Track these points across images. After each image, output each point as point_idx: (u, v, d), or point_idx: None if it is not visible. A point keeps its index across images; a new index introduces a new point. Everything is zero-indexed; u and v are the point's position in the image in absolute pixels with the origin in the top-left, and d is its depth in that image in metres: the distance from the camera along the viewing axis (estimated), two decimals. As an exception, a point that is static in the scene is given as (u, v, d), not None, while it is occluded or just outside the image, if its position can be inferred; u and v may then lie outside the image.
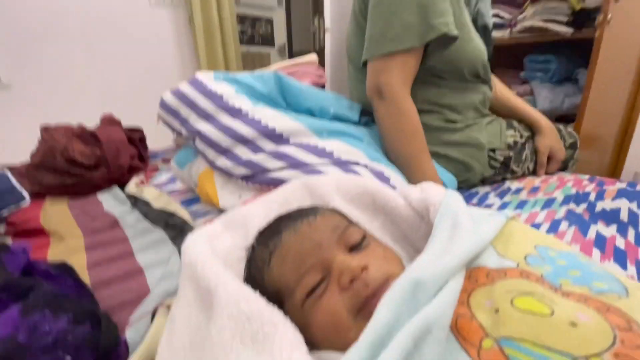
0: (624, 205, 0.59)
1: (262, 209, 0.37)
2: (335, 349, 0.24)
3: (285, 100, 0.67)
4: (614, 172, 1.51)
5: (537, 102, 1.34)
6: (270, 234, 0.30)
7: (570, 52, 1.37)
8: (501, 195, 0.69)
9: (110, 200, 0.75)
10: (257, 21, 3.28)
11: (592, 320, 0.18)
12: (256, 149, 0.56)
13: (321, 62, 2.11)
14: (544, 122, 0.80)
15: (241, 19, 3.20)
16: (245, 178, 0.57)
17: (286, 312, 0.23)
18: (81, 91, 1.62)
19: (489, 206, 0.64)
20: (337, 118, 0.69)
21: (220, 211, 0.60)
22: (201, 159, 0.63)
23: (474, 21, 0.76)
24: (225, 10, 1.84)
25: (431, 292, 0.21)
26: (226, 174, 0.59)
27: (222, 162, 0.57)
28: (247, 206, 0.37)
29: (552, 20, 1.24)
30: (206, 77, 0.62)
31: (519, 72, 1.47)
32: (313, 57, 1.29)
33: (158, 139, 1.37)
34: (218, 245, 0.33)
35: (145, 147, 1.18)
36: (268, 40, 3.41)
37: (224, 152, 0.57)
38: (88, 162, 0.82)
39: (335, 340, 0.24)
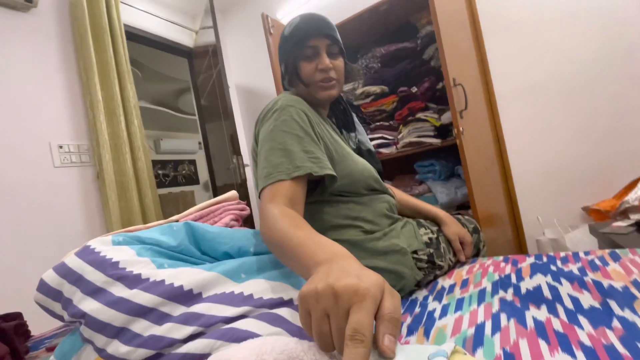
0: (542, 282, 0.64)
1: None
2: None
3: (200, 249, 0.62)
4: (520, 242, 1.70)
5: (438, 197, 1.54)
6: None
7: (446, 155, 1.68)
8: (439, 297, 0.68)
9: None
10: (180, 164, 3.47)
11: None
12: (160, 318, 0.45)
13: (245, 195, 2.18)
14: (443, 214, 0.91)
15: (163, 164, 3.32)
16: None
17: None
18: None
19: (431, 313, 0.61)
20: (261, 254, 0.65)
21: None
22: (90, 347, 0.50)
23: (359, 149, 0.93)
24: (141, 161, 1.86)
25: None
26: None
27: (116, 348, 0.43)
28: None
29: (423, 135, 1.55)
30: (101, 244, 0.54)
31: (414, 176, 1.72)
32: (233, 193, 1.31)
33: (46, 318, 1.11)
34: None
35: (25, 334, 0.93)
36: (192, 179, 3.57)
37: (117, 333, 0.44)
38: None
39: None
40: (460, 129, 1.21)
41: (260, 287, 0.50)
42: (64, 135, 1.67)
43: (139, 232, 0.59)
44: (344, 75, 0.85)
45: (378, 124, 1.76)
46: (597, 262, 0.68)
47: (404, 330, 0.58)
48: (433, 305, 0.65)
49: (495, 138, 1.69)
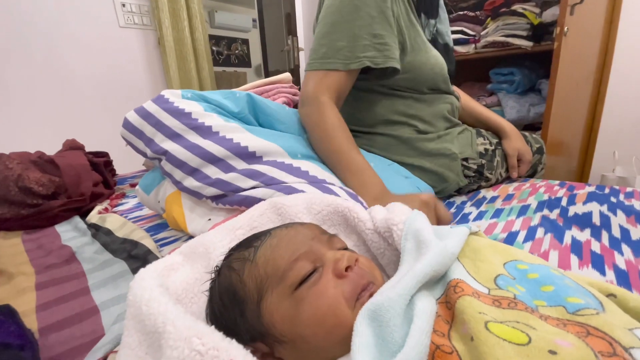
0: (595, 209, 0.61)
1: (226, 236, 0.34)
2: (321, 345, 0.23)
3: (258, 121, 0.66)
4: (582, 175, 1.57)
5: (505, 112, 1.39)
6: (253, 239, 0.30)
7: (532, 64, 1.44)
8: (477, 204, 0.69)
9: (70, 232, 0.70)
10: (233, 42, 3.37)
11: (573, 347, 0.16)
12: (227, 168, 0.53)
13: (297, 80, 2.14)
14: (508, 127, 0.83)
15: (217, 41, 3.26)
16: (216, 198, 0.54)
17: (264, 308, 0.24)
18: (47, 117, 1.54)
19: (466, 215, 0.63)
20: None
21: (190, 237, 0.57)
22: (168, 181, 0.60)
23: (435, 40, 0.81)
24: (199, 31, 1.84)
25: (395, 316, 0.19)
26: (195, 195, 0.55)
27: (190, 182, 0.53)
28: (209, 234, 0.34)
29: (513, 35, 1.31)
30: (173, 95, 0.60)
31: (485, 85, 1.53)
32: (287, 75, 1.29)
33: (127, 162, 1.32)
34: (177, 279, 0.30)
35: (112, 172, 1.13)
36: (244, 61, 3.50)
37: (192, 172, 0.54)
38: (46, 191, 0.77)
39: (329, 330, 0.23)
40: (565, 28, 0.99)
41: (315, 169, 0.54)
42: (127, -7, 1.66)
43: (203, 92, 0.63)
44: None
45: (461, 13, 1.49)
46: (669, 202, 0.62)
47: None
48: (470, 209, 0.66)
49: (604, 49, 1.38)
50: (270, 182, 0.50)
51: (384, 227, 0.31)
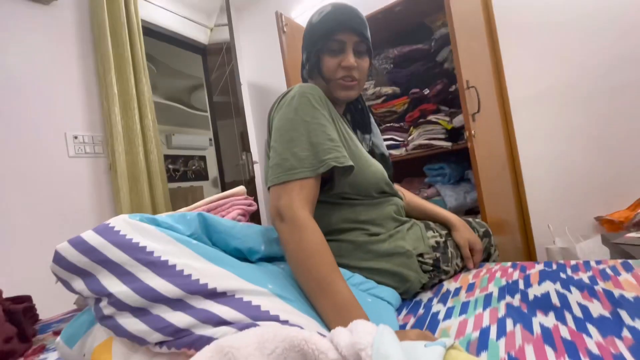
0: (550, 288, 0.62)
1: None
2: None
3: (211, 240, 0.63)
4: (529, 250, 1.67)
5: (446, 201, 1.52)
6: None
7: (456, 158, 1.66)
8: (443, 299, 0.68)
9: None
10: (190, 159, 3.54)
11: None
12: (181, 308, 0.45)
13: (253, 190, 2.20)
14: (454, 219, 0.88)
15: (173, 159, 3.38)
16: (162, 343, 0.45)
17: None
18: None
19: (435, 315, 0.61)
20: (269, 256, 0.65)
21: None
22: (99, 328, 0.50)
23: (372, 152, 0.90)
24: (153, 154, 1.89)
25: None
26: (137, 341, 0.46)
27: (135, 326, 0.45)
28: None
29: (433, 138, 1.54)
30: (121, 223, 0.53)
31: (423, 179, 1.70)
32: (241, 189, 1.32)
33: (56, 301, 1.14)
34: None
35: (33, 318, 0.95)
36: (201, 175, 3.64)
37: (140, 314, 0.46)
38: None
39: None
40: (472, 132, 1.20)
41: (274, 305, 0.48)
42: (79, 127, 1.71)
43: (154, 216, 0.60)
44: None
45: (388, 125, 1.75)
46: (609, 271, 0.67)
47: (407, 330, 0.57)
48: (437, 307, 0.64)
49: (508, 143, 1.67)
50: (224, 323, 0.44)
51: (351, 353, 0.28)
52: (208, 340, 0.40)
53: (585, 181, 1.53)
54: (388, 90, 1.76)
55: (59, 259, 0.51)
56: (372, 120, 0.95)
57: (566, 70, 1.53)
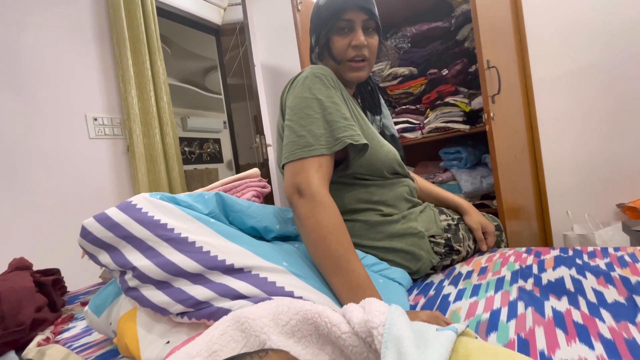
0: (565, 274, 0.62)
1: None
2: None
3: (228, 219, 0.65)
4: (546, 237, 1.64)
5: (462, 186, 1.50)
6: None
7: (473, 142, 1.62)
8: (455, 282, 0.68)
9: (-3, 376, 0.58)
10: (205, 142, 3.61)
11: None
12: (202, 283, 0.48)
13: (267, 172, 2.22)
14: (466, 204, 0.89)
15: (189, 142, 3.45)
16: (183, 314, 0.48)
17: None
18: (6, 234, 1.41)
19: (446, 297, 0.61)
20: (284, 235, 0.67)
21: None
22: (125, 298, 0.54)
23: (383, 133, 0.89)
24: (169, 136, 1.93)
25: None
26: (160, 312, 0.49)
27: (159, 298, 0.48)
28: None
29: (451, 120, 1.50)
30: (143, 201, 0.56)
31: (438, 163, 1.68)
32: (255, 171, 1.33)
33: (82, 275, 1.20)
34: None
35: (61, 290, 1.01)
36: (216, 158, 3.70)
37: (162, 287, 0.48)
38: (-26, 326, 0.66)
39: None
40: (491, 114, 1.16)
41: (290, 281, 0.49)
42: (98, 108, 1.75)
43: (174, 195, 0.62)
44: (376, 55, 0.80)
45: (404, 107, 1.71)
46: (627, 258, 0.65)
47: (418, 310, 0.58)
48: (448, 289, 0.65)
49: (529, 126, 1.61)
50: (241, 297, 0.46)
51: (363, 330, 0.29)
52: (226, 312, 0.42)
53: (608, 167, 1.47)
54: (405, 71, 1.71)
55: (85, 234, 0.54)
56: (382, 101, 0.95)
57: (596, 49, 1.45)
